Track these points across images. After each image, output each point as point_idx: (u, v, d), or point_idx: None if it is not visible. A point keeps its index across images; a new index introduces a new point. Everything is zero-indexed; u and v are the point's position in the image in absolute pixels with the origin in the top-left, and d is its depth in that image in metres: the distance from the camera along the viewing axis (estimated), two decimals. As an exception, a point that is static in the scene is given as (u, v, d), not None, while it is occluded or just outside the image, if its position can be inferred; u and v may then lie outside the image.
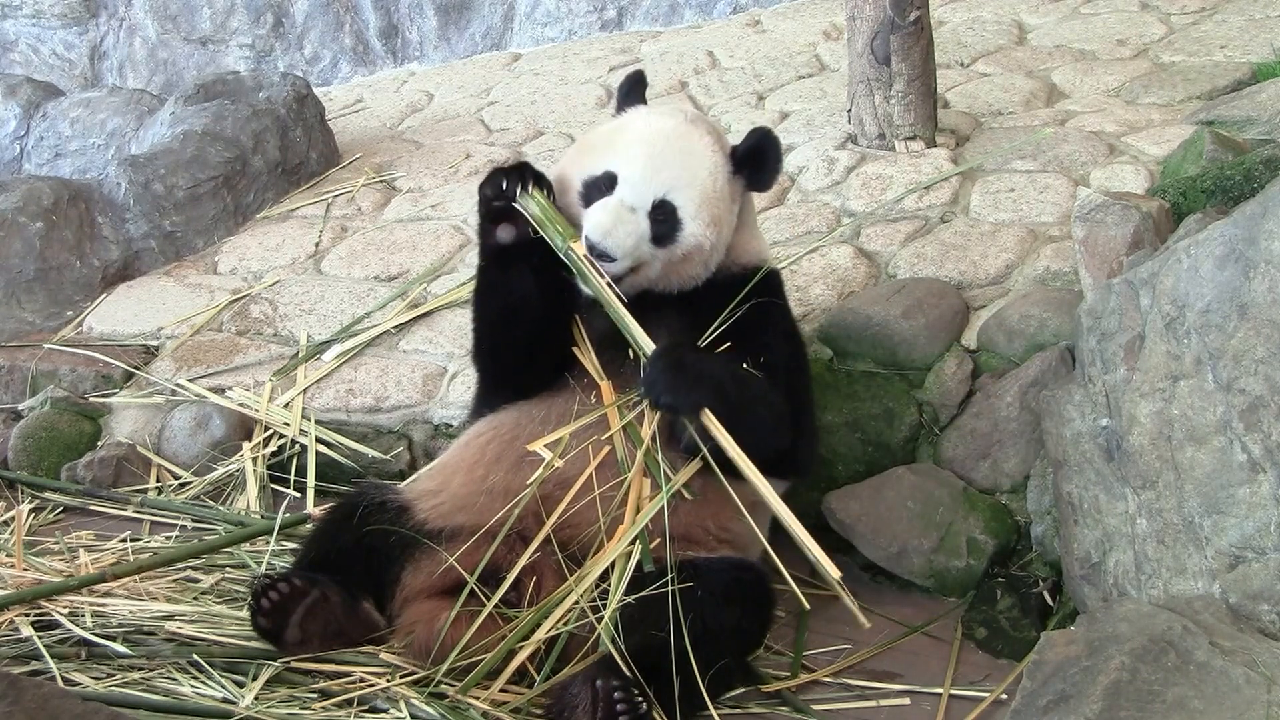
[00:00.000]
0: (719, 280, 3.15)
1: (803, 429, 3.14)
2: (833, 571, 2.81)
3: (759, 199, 4.40)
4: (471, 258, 4.64)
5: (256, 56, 7.94)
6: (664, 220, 3.04)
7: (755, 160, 3.16)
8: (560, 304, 3.12)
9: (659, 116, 3.23)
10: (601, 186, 3.07)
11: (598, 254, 2.99)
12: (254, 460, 4.00)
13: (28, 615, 3.03)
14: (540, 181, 3.07)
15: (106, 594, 3.14)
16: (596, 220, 3.00)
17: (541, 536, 2.92)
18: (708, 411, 2.88)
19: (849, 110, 4.69)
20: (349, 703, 2.79)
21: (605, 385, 3.05)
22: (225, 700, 2.79)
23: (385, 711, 2.77)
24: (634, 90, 3.33)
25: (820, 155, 4.66)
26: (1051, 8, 5.94)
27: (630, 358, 3.08)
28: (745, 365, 3.02)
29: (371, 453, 3.99)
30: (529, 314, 3.10)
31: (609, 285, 3.00)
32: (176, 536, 3.75)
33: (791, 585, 2.91)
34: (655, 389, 2.90)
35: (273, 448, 4.05)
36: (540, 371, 3.13)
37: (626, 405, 3.02)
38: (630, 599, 2.78)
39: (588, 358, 3.10)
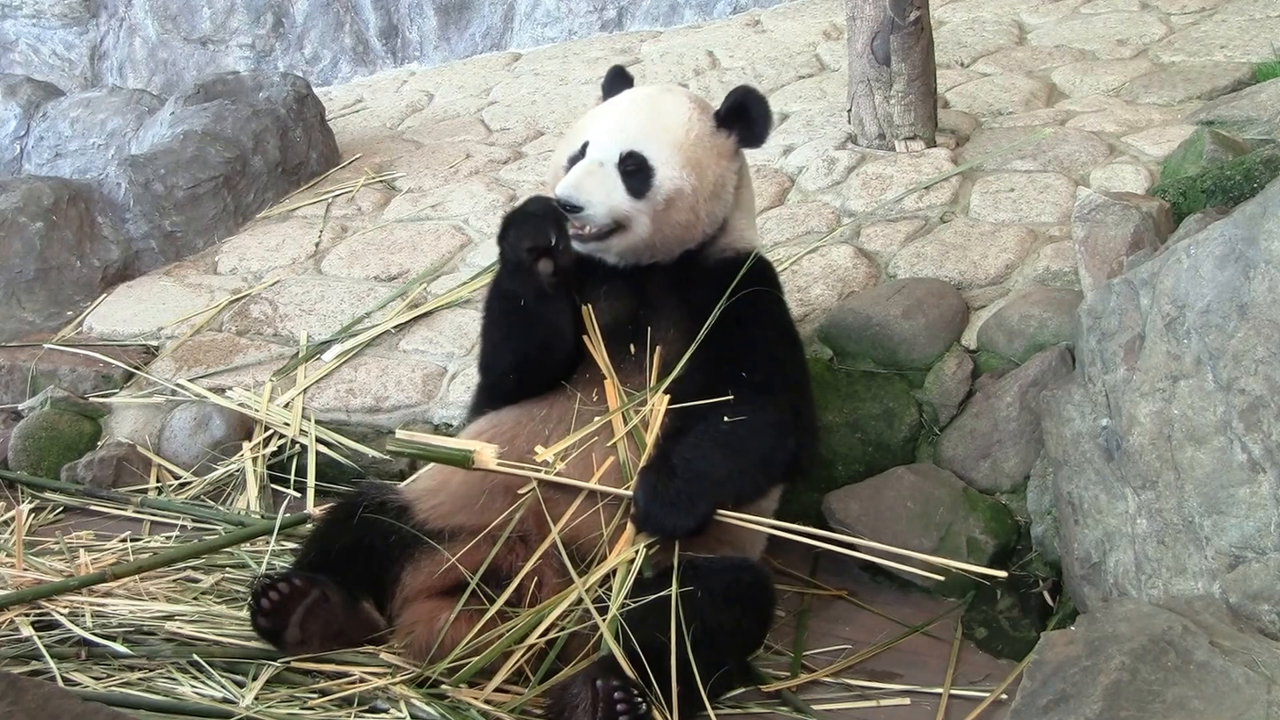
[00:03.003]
0: (716, 265, 3.15)
1: (803, 428, 3.14)
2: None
3: (759, 200, 4.42)
4: (473, 258, 4.64)
5: (256, 56, 7.94)
6: (635, 170, 3.05)
7: (740, 116, 3.16)
8: (578, 325, 3.11)
9: (637, 89, 3.29)
10: (579, 157, 3.12)
11: (569, 209, 3.00)
12: (254, 460, 4.00)
13: (28, 615, 3.03)
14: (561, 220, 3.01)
15: (106, 594, 3.14)
16: (565, 180, 3.03)
17: (546, 545, 2.92)
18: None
19: (849, 110, 4.69)
20: (349, 702, 2.79)
21: (610, 383, 3.05)
22: (225, 700, 2.79)
23: (385, 711, 2.77)
24: (615, 83, 3.37)
25: (820, 155, 4.66)
26: (1051, 8, 5.95)
27: (632, 352, 3.08)
28: (743, 374, 3.01)
29: (371, 453, 3.98)
30: (561, 344, 3.08)
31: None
32: (176, 536, 3.75)
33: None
34: (652, 520, 2.87)
35: (273, 448, 4.05)
36: (551, 385, 3.13)
37: (633, 408, 3.01)
38: (631, 603, 2.78)
39: (598, 350, 3.09)
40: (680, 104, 3.16)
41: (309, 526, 3.43)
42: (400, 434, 3.04)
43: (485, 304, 3.27)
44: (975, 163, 4.40)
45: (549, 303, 3.02)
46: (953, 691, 2.94)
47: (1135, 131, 4.44)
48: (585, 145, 3.12)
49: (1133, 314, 2.89)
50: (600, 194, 3.02)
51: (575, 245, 3.06)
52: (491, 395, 3.24)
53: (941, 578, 3.02)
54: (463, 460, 2.95)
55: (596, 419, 3.01)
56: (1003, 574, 2.97)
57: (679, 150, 3.07)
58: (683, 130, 3.10)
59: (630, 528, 2.89)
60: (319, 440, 4.02)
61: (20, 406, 4.39)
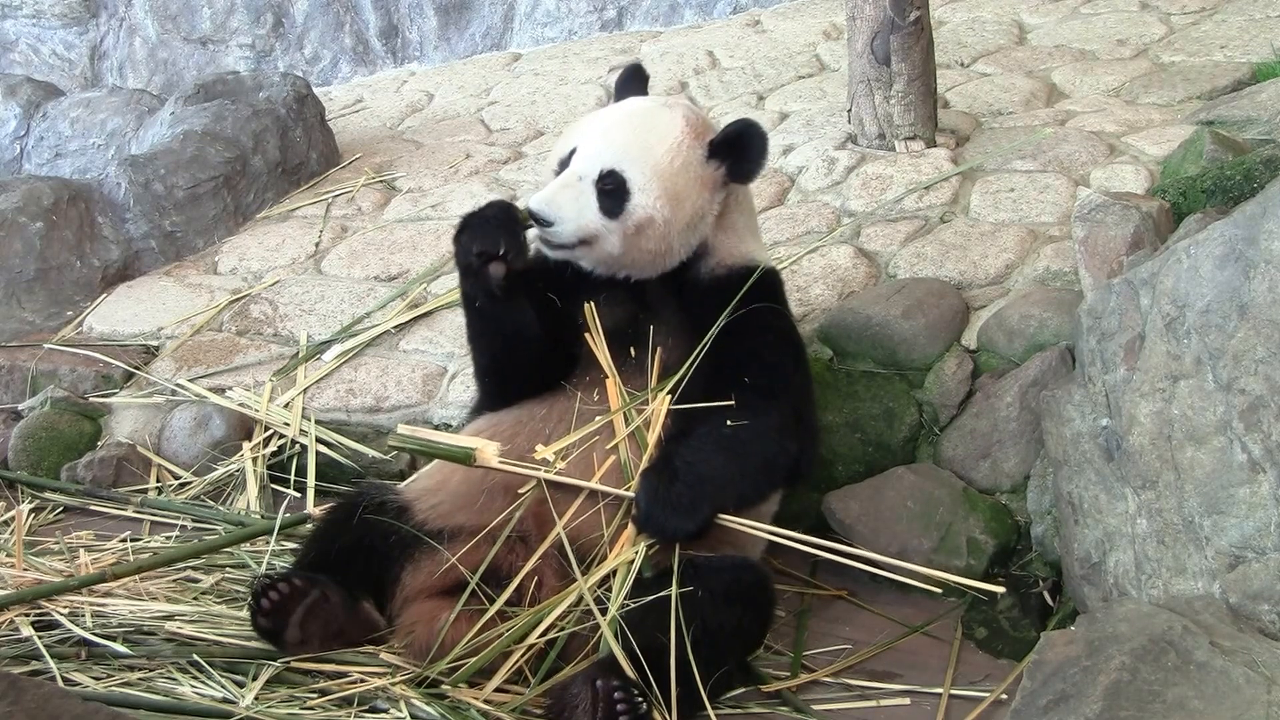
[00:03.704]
0: (709, 280, 3.14)
1: (804, 433, 3.13)
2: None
3: (760, 200, 4.42)
4: (471, 258, 4.64)
5: (256, 56, 7.94)
6: (612, 191, 3.01)
7: (735, 149, 3.09)
8: (560, 321, 3.11)
9: (638, 99, 3.24)
10: (566, 163, 3.10)
11: (540, 222, 3.00)
12: (254, 460, 3.99)
13: (28, 615, 3.03)
14: (516, 216, 3.00)
15: (106, 594, 3.14)
16: (541, 191, 3.03)
17: (546, 545, 2.92)
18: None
19: (849, 110, 4.69)
20: (349, 702, 2.79)
21: (612, 382, 3.04)
22: (225, 700, 2.78)
23: (385, 711, 2.77)
24: (630, 83, 3.33)
25: (820, 155, 4.66)
26: (1051, 8, 5.95)
27: (632, 354, 3.08)
28: (745, 378, 3.01)
29: (371, 453, 3.99)
30: (534, 341, 3.08)
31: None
32: (176, 536, 3.75)
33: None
34: (653, 522, 2.86)
35: (273, 448, 4.05)
36: (545, 383, 3.12)
37: (635, 408, 3.01)
38: (631, 603, 2.78)
39: (601, 350, 3.08)
40: (675, 126, 3.09)
41: (309, 526, 3.43)
42: (403, 429, 3.03)
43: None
44: (975, 163, 4.40)
45: (503, 305, 3.01)
46: (953, 691, 2.94)
47: (1135, 131, 4.44)
48: (572, 151, 3.11)
49: (1133, 314, 2.89)
50: (571, 211, 3.00)
51: (546, 251, 3.08)
52: (483, 398, 3.26)
53: (939, 588, 3.01)
54: (465, 457, 2.95)
55: (598, 419, 3.01)
56: (1000, 589, 2.96)
57: (659, 178, 3.02)
58: (668, 157, 3.04)
59: (631, 528, 2.90)
60: (319, 440, 4.02)
61: (20, 406, 4.39)
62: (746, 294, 3.06)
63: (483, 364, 3.22)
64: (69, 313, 4.79)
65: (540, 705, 2.79)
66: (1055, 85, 5.05)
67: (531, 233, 3.06)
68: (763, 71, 5.78)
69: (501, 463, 2.95)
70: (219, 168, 5.17)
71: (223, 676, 2.86)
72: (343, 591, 2.94)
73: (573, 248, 3.06)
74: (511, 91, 6.35)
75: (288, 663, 2.89)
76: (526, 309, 3.06)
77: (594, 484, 2.93)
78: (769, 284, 3.20)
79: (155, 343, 4.56)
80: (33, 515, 3.91)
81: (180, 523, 3.83)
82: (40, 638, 2.94)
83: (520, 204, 3.07)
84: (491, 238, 2.93)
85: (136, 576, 3.22)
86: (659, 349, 3.09)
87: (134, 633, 3.01)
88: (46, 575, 3.27)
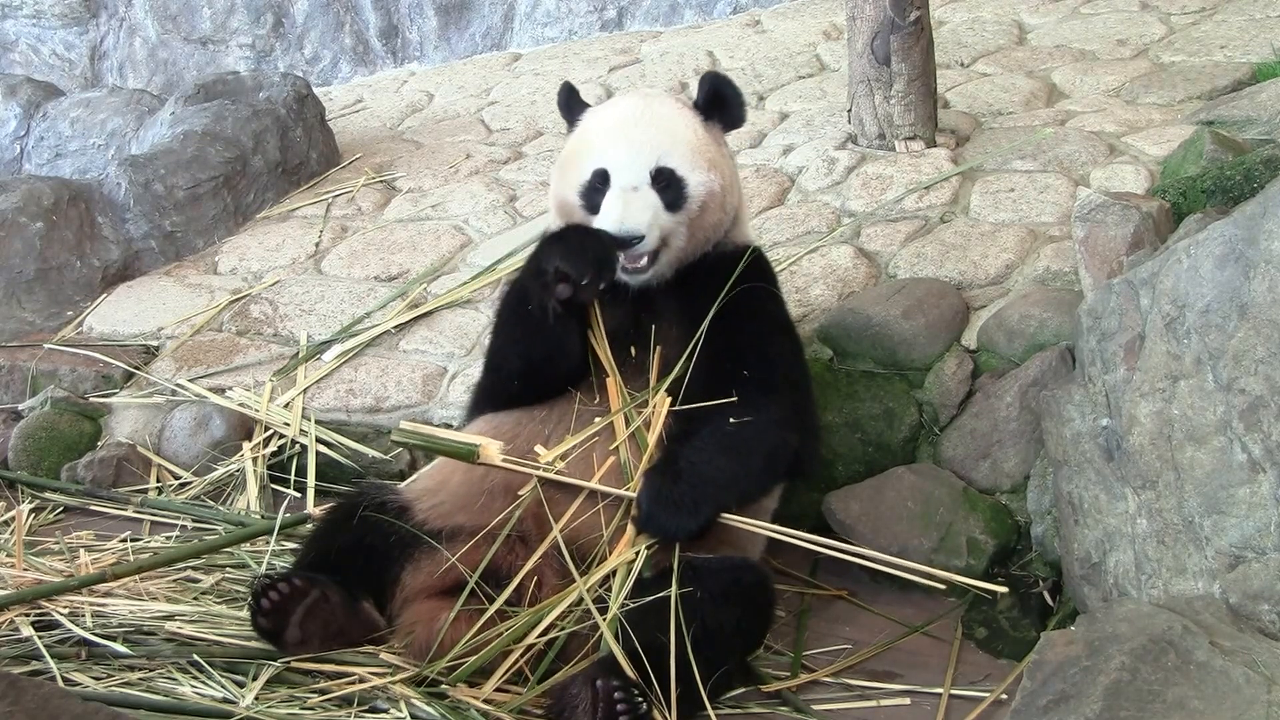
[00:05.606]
0: (715, 262, 3.16)
1: (804, 426, 3.14)
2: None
3: (760, 200, 4.42)
4: (473, 258, 4.64)
5: (256, 56, 7.94)
6: (668, 185, 3.08)
7: (717, 102, 3.21)
8: (586, 342, 3.12)
9: (614, 104, 3.29)
10: (598, 186, 3.10)
11: (625, 242, 3.01)
12: (254, 460, 4.00)
13: (28, 615, 3.03)
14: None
15: (106, 594, 3.14)
16: (608, 214, 3.04)
17: (546, 545, 2.92)
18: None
19: (849, 110, 4.69)
20: (349, 702, 2.79)
21: (613, 382, 3.04)
22: (225, 700, 2.79)
23: (385, 711, 2.77)
24: (571, 101, 3.34)
25: (820, 155, 4.66)
26: (1051, 8, 5.95)
27: (633, 354, 3.08)
28: (745, 372, 3.01)
29: (372, 453, 3.99)
30: (569, 360, 3.09)
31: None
32: (176, 536, 3.75)
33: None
34: (655, 522, 2.87)
35: (273, 448, 4.05)
36: (553, 393, 3.13)
37: (635, 409, 3.01)
38: (631, 603, 2.78)
39: (602, 347, 3.08)
40: (675, 108, 3.20)
41: (309, 526, 3.43)
42: (405, 425, 3.03)
43: (501, 302, 3.26)
44: (975, 163, 4.40)
45: (561, 321, 3.02)
46: (953, 691, 2.94)
47: (1135, 131, 4.44)
48: (598, 173, 3.11)
49: (1133, 314, 2.89)
50: (648, 218, 3.04)
51: (629, 280, 3.07)
52: (493, 395, 3.23)
53: (941, 586, 3.01)
54: (468, 453, 2.95)
55: (598, 419, 3.00)
56: (1003, 589, 2.97)
57: (697, 154, 3.11)
58: (690, 132, 3.13)
59: (631, 528, 2.90)
60: (319, 440, 4.02)
61: (20, 406, 4.39)
62: (744, 276, 3.08)
63: (515, 367, 3.16)
64: (69, 313, 4.79)
65: (540, 705, 2.79)
66: (1055, 85, 5.05)
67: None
68: (763, 71, 5.78)
69: (504, 461, 2.95)
70: (219, 168, 5.18)
71: (223, 676, 2.86)
72: (343, 591, 2.94)
73: (654, 259, 3.07)
74: (511, 91, 6.35)
75: (288, 663, 2.89)
76: (574, 336, 3.06)
77: (595, 484, 2.93)
78: (763, 265, 3.25)
79: (155, 343, 4.56)
80: (33, 515, 3.92)
81: (180, 523, 3.83)
82: (40, 638, 2.94)
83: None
84: (582, 267, 2.91)
85: (136, 576, 3.22)
86: (659, 348, 3.09)
87: (134, 633, 3.01)
88: (46, 575, 3.28)
